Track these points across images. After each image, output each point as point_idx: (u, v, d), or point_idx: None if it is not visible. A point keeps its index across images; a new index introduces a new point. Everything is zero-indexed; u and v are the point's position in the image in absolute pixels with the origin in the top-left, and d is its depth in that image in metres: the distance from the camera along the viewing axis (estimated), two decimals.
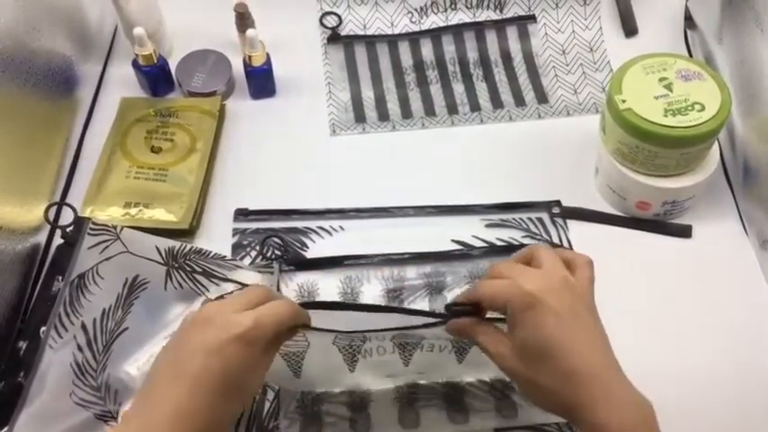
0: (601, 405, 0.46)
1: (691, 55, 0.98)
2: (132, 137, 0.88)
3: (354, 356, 0.66)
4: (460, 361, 0.68)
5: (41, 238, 0.81)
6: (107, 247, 0.68)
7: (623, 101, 0.76)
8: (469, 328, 0.55)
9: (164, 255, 0.71)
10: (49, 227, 0.82)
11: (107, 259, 0.68)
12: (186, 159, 0.86)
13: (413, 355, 0.67)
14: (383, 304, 0.75)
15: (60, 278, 0.66)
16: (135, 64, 0.93)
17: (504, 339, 0.53)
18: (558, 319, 0.50)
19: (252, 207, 0.84)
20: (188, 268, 0.72)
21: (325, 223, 0.83)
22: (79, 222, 0.67)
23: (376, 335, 0.62)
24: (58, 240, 0.80)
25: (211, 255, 0.73)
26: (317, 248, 0.82)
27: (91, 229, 0.67)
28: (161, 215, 0.81)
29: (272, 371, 0.58)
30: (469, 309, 0.56)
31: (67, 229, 0.67)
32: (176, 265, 0.72)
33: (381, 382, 0.70)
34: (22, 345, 0.69)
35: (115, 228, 0.69)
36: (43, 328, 0.65)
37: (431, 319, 0.57)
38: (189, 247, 0.73)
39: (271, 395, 0.70)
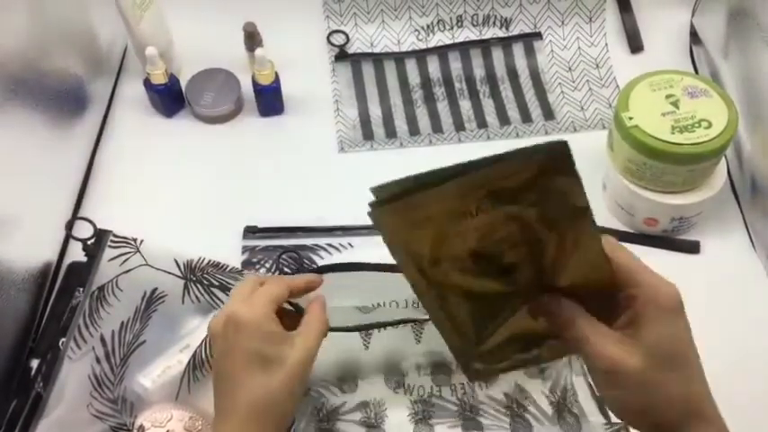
0: (711, 420, 0.46)
1: (696, 71, 1.02)
2: None
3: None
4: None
5: (53, 256, 0.84)
6: (127, 259, 0.72)
7: (630, 118, 0.80)
8: (569, 311, 0.47)
9: (182, 268, 0.75)
10: (59, 247, 0.85)
11: (126, 272, 0.72)
12: None
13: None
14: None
15: (81, 290, 0.70)
16: (147, 83, 0.97)
17: (614, 334, 0.46)
18: (689, 330, 0.47)
19: (261, 224, 0.87)
20: (205, 282, 0.76)
21: (334, 240, 0.86)
22: (100, 235, 0.72)
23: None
24: (69, 259, 0.84)
25: (228, 269, 0.77)
26: None
27: (111, 241, 0.72)
28: None
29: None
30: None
31: (88, 242, 0.71)
32: (194, 279, 0.75)
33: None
34: (34, 364, 0.71)
35: (135, 240, 0.73)
36: (63, 340, 0.69)
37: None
38: (206, 260, 0.76)
39: None
